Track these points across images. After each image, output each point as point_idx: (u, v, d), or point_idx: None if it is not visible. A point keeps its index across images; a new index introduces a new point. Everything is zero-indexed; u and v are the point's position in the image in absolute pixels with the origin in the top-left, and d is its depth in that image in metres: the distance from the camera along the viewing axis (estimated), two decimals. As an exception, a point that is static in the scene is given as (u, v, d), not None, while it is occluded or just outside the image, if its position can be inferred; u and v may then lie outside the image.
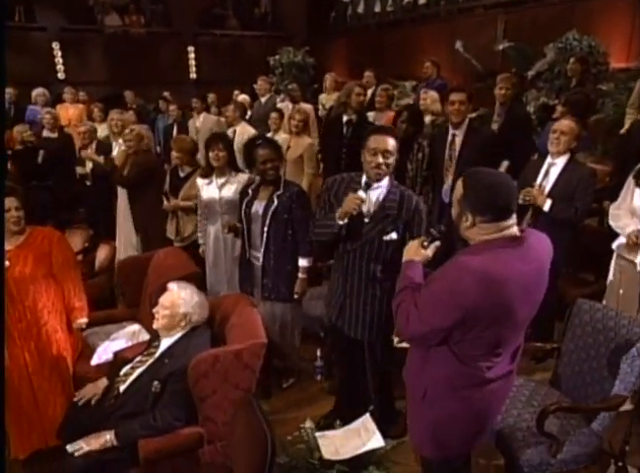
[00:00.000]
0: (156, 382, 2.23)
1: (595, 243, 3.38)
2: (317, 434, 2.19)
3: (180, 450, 2.18)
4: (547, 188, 3.08)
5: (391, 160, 2.33)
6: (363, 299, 2.50)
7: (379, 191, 2.40)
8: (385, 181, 2.40)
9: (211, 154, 3.40)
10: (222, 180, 3.45)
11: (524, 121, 4.37)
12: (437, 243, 1.87)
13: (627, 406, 2.33)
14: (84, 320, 2.83)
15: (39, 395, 2.71)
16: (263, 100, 6.65)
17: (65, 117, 7.17)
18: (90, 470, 2.13)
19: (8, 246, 2.64)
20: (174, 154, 4.01)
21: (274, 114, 4.95)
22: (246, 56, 10.36)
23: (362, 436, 2.15)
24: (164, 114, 7.25)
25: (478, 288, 1.54)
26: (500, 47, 6.17)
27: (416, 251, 1.85)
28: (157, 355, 2.38)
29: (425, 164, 3.85)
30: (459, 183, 1.69)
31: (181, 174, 3.98)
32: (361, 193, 2.29)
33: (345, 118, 4.36)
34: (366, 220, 2.38)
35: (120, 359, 2.66)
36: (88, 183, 4.96)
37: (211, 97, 7.62)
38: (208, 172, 3.55)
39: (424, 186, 3.89)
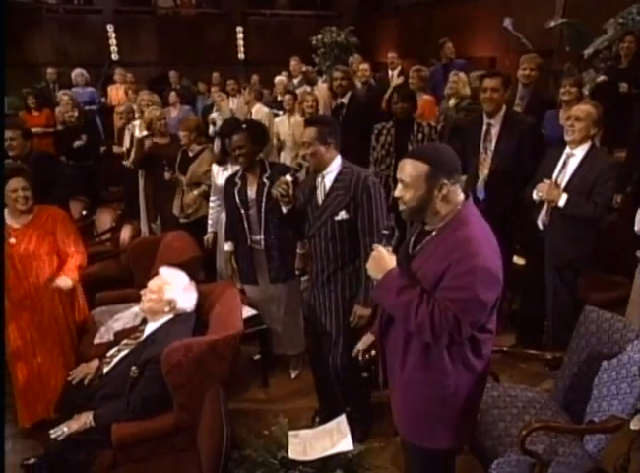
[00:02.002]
0: (133, 367, 2.25)
1: (626, 241, 3.06)
2: (290, 432, 2.14)
3: (153, 436, 2.19)
4: (565, 182, 2.81)
5: (310, 149, 2.38)
6: (327, 286, 2.49)
7: (330, 175, 2.42)
8: (334, 164, 2.42)
9: (228, 141, 3.33)
10: (238, 167, 3.41)
11: (549, 105, 3.98)
12: (395, 238, 1.77)
13: (635, 425, 2.12)
14: (60, 281, 2.72)
15: (43, 368, 2.83)
16: (296, 81, 6.56)
17: (115, 98, 7.41)
18: (67, 449, 2.19)
19: (16, 224, 2.76)
20: (181, 133, 4.04)
21: (287, 96, 4.89)
22: (295, 36, 10.23)
23: (333, 437, 2.08)
24: (204, 95, 7.31)
25: (491, 250, 1.59)
26: (552, 24, 5.70)
27: (384, 261, 1.67)
28: (141, 339, 2.41)
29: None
30: (413, 163, 1.64)
31: (190, 154, 4.01)
32: (288, 177, 2.38)
33: (338, 101, 4.37)
34: (319, 203, 2.43)
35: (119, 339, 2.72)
36: (125, 163, 5.09)
37: (254, 78, 7.60)
38: (223, 159, 3.52)
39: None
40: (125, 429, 2.16)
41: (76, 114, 5.82)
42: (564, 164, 2.87)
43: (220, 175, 3.53)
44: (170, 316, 2.41)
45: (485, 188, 3.23)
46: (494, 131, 3.29)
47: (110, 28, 9.50)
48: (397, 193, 1.70)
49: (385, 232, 1.77)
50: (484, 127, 3.32)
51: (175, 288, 2.41)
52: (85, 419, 2.21)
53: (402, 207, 1.70)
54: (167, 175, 4.00)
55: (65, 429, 2.21)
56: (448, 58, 6.04)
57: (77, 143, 5.36)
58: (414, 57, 8.00)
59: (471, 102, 4.90)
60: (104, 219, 4.71)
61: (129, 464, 2.17)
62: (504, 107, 3.31)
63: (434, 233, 1.68)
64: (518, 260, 3.45)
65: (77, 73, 7.42)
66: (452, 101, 4.60)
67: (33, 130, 6.13)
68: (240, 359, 3.34)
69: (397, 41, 9.52)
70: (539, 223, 2.94)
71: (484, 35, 8.23)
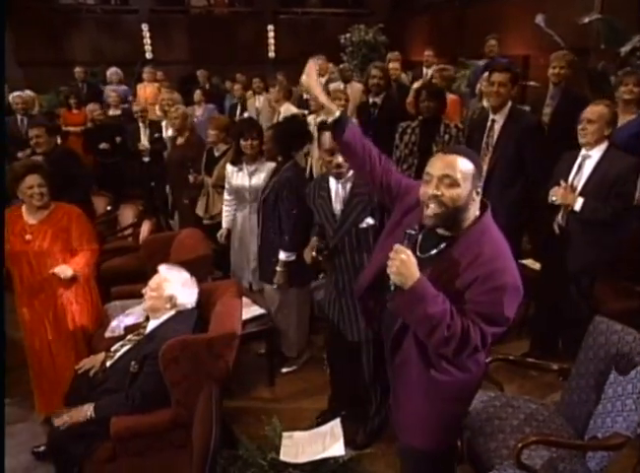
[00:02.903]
0: (133, 362, 2.28)
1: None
2: (285, 433, 2.14)
3: (151, 431, 2.21)
4: (581, 185, 2.69)
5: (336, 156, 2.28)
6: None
7: (348, 183, 2.34)
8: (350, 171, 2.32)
9: (244, 142, 3.32)
10: (252, 168, 3.39)
11: (582, 105, 3.83)
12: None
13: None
14: (58, 269, 2.73)
15: (58, 361, 2.90)
16: (323, 79, 6.53)
17: (143, 96, 7.57)
18: (68, 440, 2.24)
19: (32, 221, 2.82)
20: (210, 132, 4.06)
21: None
22: (325, 34, 10.19)
23: (326, 441, 2.06)
24: (232, 94, 7.38)
25: (514, 264, 1.57)
26: (586, 20, 5.48)
27: (413, 266, 1.51)
28: (143, 335, 2.45)
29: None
30: (462, 160, 1.54)
31: (216, 154, 4.03)
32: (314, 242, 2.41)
33: (371, 101, 4.19)
34: (338, 212, 2.35)
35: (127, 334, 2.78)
36: (145, 159, 5.20)
37: (280, 76, 7.62)
38: (237, 159, 3.54)
39: None
40: (123, 422, 2.19)
41: (118, 112, 5.99)
42: (580, 166, 2.76)
43: (234, 176, 3.54)
44: (172, 313, 2.44)
45: (485, 185, 3.16)
46: (497, 127, 3.24)
47: (145, 27, 9.71)
48: (435, 191, 1.52)
49: (411, 232, 1.57)
50: (489, 123, 3.28)
51: (174, 284, 2.43)
52: (86, 410, 2.26)
53: (438, 209, 1.53)
54: (191, 178, 4.04)
55: (67, 418, 2.26)
56: (489, 56, 5.84)
57: (103, 145, 5.50)
58: (444, 56, 7.85)
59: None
60: (127, 214, 4.81)
61: (127, 457, 2.20)
62: (509, 104, 3.24)
63: (457, 234, 1.59)
64: (533, 264, 3.34)
65: (112, 71, 7.62)
66: (485, 103, 4.49)
67: (71, 129, 6.47)
68: (247, 356, 3.37)
69: (428, 39, 9.35)
70: (555, 226, 2.84)
71: (517, 33, 7.99)
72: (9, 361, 2.97)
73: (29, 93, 6.25)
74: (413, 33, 10.01)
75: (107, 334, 3.05)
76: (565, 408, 2.18)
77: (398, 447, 1.99)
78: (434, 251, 1.63)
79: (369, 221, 2.28)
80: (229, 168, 3.60)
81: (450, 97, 4.97)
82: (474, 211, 1.60)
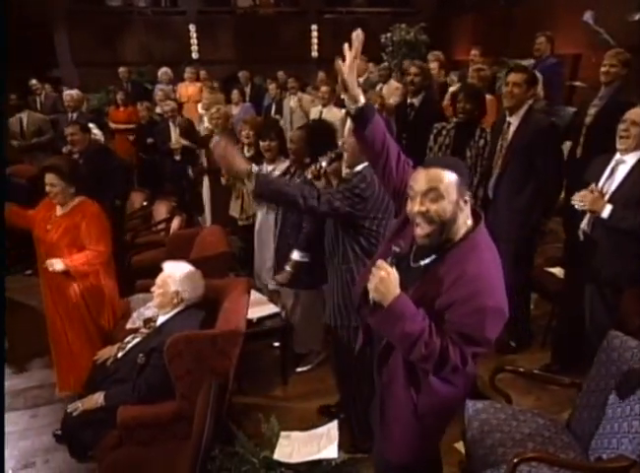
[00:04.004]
0: (141, 355, 2.36)
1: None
2: (283, 433, 2.15)
3: (155, 422, 2.28)
4: (611, 191, 2.55)
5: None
6: (331, 280, 2.47)
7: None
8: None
9: (262, 143, 3.35)
10: (270, 168, 3.43)
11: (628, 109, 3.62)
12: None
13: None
14: (49, 261, 2.82)
15: (74, 348, 3.03)
16: (361, 79, 6.48)
17: (185, 95, 7.79)
18: (79, 425, 2.35)
19: (57, 213, 2.95)
20: (246, 132, 4.10)
21: (324, 88, 4.85)
22: (369, 34, 10.06)
23: (321, 443, 2.06)
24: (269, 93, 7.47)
25: (501, 282, 1.52)
26: (636, 18, 5.19)
27: (393, 284, 1.49)
28: (153, 328, 2.52)
29: (487, 152, 3.42)
30: (443, 172, 1.50)
31: (247, 155, 4.07)
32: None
33: (408, 101, 4.11)
34: None
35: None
36: (177, 157, 5.34)
37: (320, 75, 7.65)
38: (259, 159, 3.57)
39: (484, 177, 3.48)
40: (129, 412, 2.27)
41: (162, 109, 6.17)
42: (612, 171, 2.61)
43: None
44: (180, 308, 2.50)
45: (495, 188, 3.12)
46: (512, 129, 3.14)
47: (192, 28, 9.96)
48: (421, 207, 1.50)
49: (396, 249, 1.56)
50: (505, 125, 3.19)
51: (178, 279, 2.48)
52: (97, 398, 2.36)
53: (428, 228, 1.51)
54: (223, 181, 4.11)
55: (80, 405, 2.37)
56: (536, 56, 5.62)
57: (149, 140, 5.70)
58: (490, 55, 7.65)
59: (547, 104, 4.62)
60: (161, 210, 4.97)
61: (132, 446, 2.27)
62: (526, 105, 3.13)
63: (445, 247, 1.56)
64: (559, 272, 3.21)
65: (162, 71, 7.88)
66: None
67: (120, 126, 6.76)
68: (263, 354, 3.41)
69: (473, 39, 9.12)
70: (579, 233, 2.71)
71: (567, 31, 7.66)
72: (45, 342, 3.13)
73: (77, 92, 6.56)
74: (458, 32, 9.79)
75: (128, 326, 3.16)
76: (574, 425, 2.09)
77: (377, 461, 1.96)
78: (424, 262, 1.61)
79: None
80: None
81: (486, 97, 4.85)
82: (464, 220, 1.55)
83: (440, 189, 1.48)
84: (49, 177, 2.81)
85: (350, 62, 1.68)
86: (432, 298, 1.52)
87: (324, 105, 5.18)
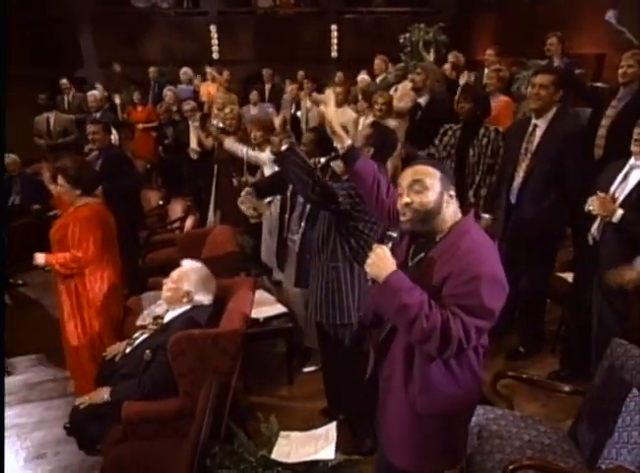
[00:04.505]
0: (147, 351, 2.40)
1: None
2: (282, 432, 2.17)
3: (158, 418, 2.32)
4: (623, 196, 2.50)
5: None
6: (315, 277, 2.53)
7: None
8: None
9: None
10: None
11: None
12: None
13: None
14: (36, 254, 2.91)
15: (73, 344, 3.08)
16: (378, 79, 6.47)
17: (206, 94, 7.88)
18: (86, 419, 2.41)
19: (70, 210, 3.02)
20: (256, 133, 4.15)
21: (337, 89, 4.84)
22: (389, 34, 10.08)
23: (319, 444, 2.07)
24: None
25: (496, 259, 1.56)
26: (660, 17, 5.05)
27: (388, 260, 1.57)
28: (160, 325, 2.57)
29: (490, 150, 3.41)
30: (426, 167, 1.63)
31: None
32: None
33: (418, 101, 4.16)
34: None
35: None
36: (194, 157, 5.41)
37: (338, 75, 7.66)
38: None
39: (487, 175, 3.46)
40: (134, 407, 2.31)
41: (174, 108, 6.29)
42: (626, 176, 2.56)
43: (268, 168, 3.65)
44: (188, 307, 2.53)
45: (519, 192, 3.04)
46: (539, 132, 3.06)
47: (213, 28, 10.07)
48: (407, 199, 1.60)
49: (392, 234, 1.66)
50: (530, 128, 3.10)
51: (193, 279, 2.52)
52: (103, 393, 2.41)
53: (411, 215, 1.60)
54: (235, 182, 4.16)
55: (86, 399, 2.43)
56: (549, 56, 5.53)
57: (166, 141, 5.79)
58: (513, 55, 7.55)
59: (561, 106, 4.54)
60: (176, 208, 5.06)
61: (136, 441, 2.32)
62: (554, 109, 3.06)
63: (437, 238, 1.62)
64: (570, 277, 3.15)
65: (183, 71, 8.00)
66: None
67: (140, 125, 6.89)
68: (270, 354, 3.44)
69: (495, 38, 9.00)
70: (589, 238, 2.66)
71: (591, 31, 7.52)
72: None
73: (100, 92, 6.73)
74: (479, 31, 9.68)
75: (138, 322, 3.21)
76: (576, 433, 2.06)
77: (378, 462, 1.96)
78: (417, 258, 1.67)
79: None
80: (264, 155, 3.72)
81: (502, 98, 4.79)
82: (451, 215, 1.62)
83: (424, 181, 1.60)
84: (58, 178, 2.89)
85: (332, 108, 1.87)
86: (428, 280, 1.56)
87: (338, 106, 5.18)
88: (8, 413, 3.13)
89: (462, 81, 5.67)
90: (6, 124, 5.08)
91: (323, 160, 2.42)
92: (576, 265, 2.95)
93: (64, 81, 7.49)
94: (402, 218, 1.64)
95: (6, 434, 2.96)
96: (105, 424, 2.38)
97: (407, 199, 1.60)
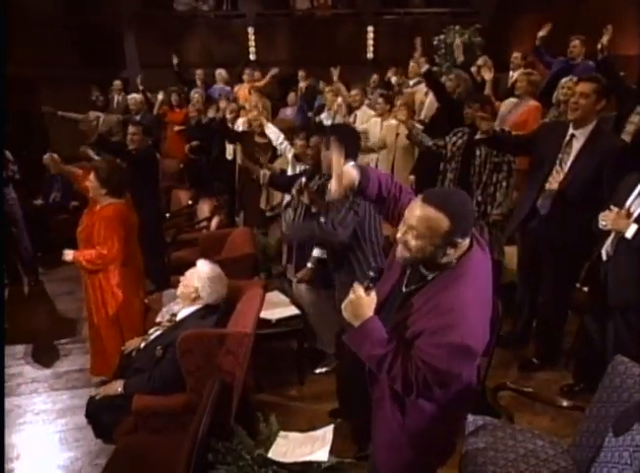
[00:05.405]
0: (159, 347, 2.52)
1: None
2: (281, 432, 2.23)
3: (166, 412, 2.42)
4: (638, 211, 2.42)
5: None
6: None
7: None
8: None
9: (294, 141, 3.52)
10: (300, 166, 3.57)
11: None
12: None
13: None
14: (66, 252, 3.09)
15: (101, 336, 3.27)
16: (411, 82, 6.45)
17: (242, 96, 8.03)
18: (101, 409, 2.55)
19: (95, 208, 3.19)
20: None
21: (380, 99, 4.82)
22: (426, 35, 9.96)
23: (315, 445, 2.13)
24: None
25: (476, 316, 1.50)
26: None
27: (362, 307, 1.58)
28: (173, 323, 2.68)
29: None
30: (434, 214, 1.48)
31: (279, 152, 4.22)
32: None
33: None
34: None
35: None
36: (229, 157, 5.53)
37: (374, 78, 7.68)
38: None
39: (493, 174, 3.44)
40: (143, 400, 2.42)
41: (210, 114, 6.44)
42: (642, 191, 2.49)
43: (292, 168, 3.74)
44: (199, 306, 2.63)
45: (552, 205, 2.94)
46: (576, 145, 2.94)
47: (251, 30, 10.21)
48: (401, 235, 1.56)
49: (372, 274, 1.66)
50: (567, 138, 2.97)
51: (201, 277, 2.61)
52: (117, 386, 2.55)
53: (405, 253, 1.57)
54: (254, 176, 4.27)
55: (101, 390, 2.57)
56: (571, 58, 5.38)
57: (194, 143, 5.95)
58: (551, 58, 7.35)
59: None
60: (204, 208, 5.20)
61: (145, 432, 2.43)
62: (595, 121, 2.92)
63: (429, 277, 1.61)
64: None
65: (218, 72, 8.18)
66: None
67: (176, 127, 7.10)
68: (283, 354, 3.51)
69: (533, 40, 8.78)
70: (602, 253, 2.60)
71: (635, 31, 7.24)
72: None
73: (137, 95, 6.97)
74: (519, 32, 9.43)
75: (158, 319, 3.34)
76: (574, 450, 2.03)
77: (369, 469, 1.99)
78: (412, 287, 1.66)
79: None
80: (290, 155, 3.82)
81: (532, 103, 4.69)
82: (452, 258, 1.56)
83: (425, 232, 1.50)
84: (91, 174, 3.07)
85: (337, 159, 1.77)
86: (409, 323, 1.57)
87: (357, 108, 5.22)
88: (36, 399, 3.34)
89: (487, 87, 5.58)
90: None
91: (304, 179, 2.48)
92: (589, 280, 2.87)
93: (117, 82, 7.79)
94: (397, 249, 1.62)
95: (33, 419, 3.18)
96: (118, 415, 2.51)
97: (402, 237, 1.56)
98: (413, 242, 1.52)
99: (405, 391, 1.55)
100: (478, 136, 3.20)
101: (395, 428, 1.73)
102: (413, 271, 1.68)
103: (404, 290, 1.69)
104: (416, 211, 1.52)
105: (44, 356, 3.83)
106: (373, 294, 1.61)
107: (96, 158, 4.14)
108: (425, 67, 4.63)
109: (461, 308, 1.47)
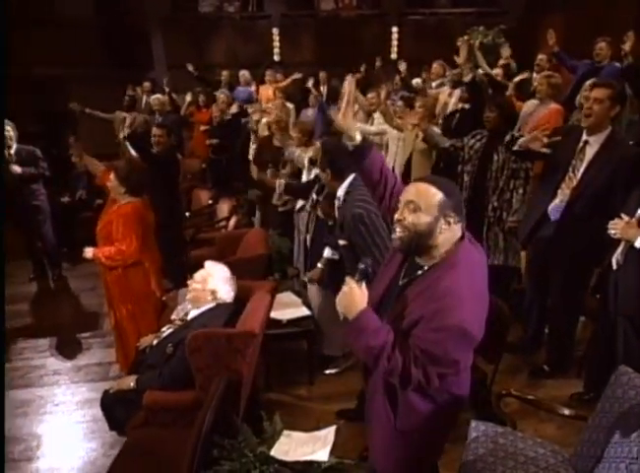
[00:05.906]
0: (170, 345, 2.60)
1: None
2: (285, 431, 2.28)
3: (176, 408, 2.50)
4: (651, 220, 2.39)
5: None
6: None
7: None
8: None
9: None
10: (314, 170, 3.62)
11: None
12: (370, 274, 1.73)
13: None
14: (86, 248, 3.21)
15: (121, 332, 3.39)
16: (434, 84, 6.43)
17: (265, 97, 8.12)
18: (114, 403, 2.64)
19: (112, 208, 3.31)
20: (294, 134, 4.28)
21: (400, 102, 4.81)
22: (451, 35, 9.89)
23: (316, 445, 2.16)
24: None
25: (473, 303, 1.53)
26: None
27: (356, 299, 1.62)
28: (185, 321, 2.76)
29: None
30: (428, 188, 1.60)
31: (286, 154, 4.27)
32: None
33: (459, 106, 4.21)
34: None
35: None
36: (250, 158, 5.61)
37: (397, 78, 7.66)
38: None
39: (510, 180, 3.41)
40: (154, 396, 2.50)
41: (230, 113, 6.55)
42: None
43: (307, 172, 3.78)
44: (212, 305, 2.70)
45: (564, 212, 2.91)
46: (590, 151, 2.90)
47: (275, 31, 10.31)
48: (400, 215, 1.63)
49: (362, 266, 1.70)
50: (580, 144, 2.94)
51: (217, 279, 2.68)
52: (130, 381, 2.63)
53: (401, 233, 1.62)
54: (269, 174, 4.33)
55: (116, 386, 2.66)
56: (598, 61, 5.28)
57: (213, 141, 6.06)
58: (577, 59, 7.21)
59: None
60: (223, 208, 5.30)
61: (155, 427, 2.51)
62: (609, 127, 2.87)
63: (425, 267, 1.65)
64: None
65: (241, 73, 8.29)
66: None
67: (202, 127, 7.23)
68: (294, 355, 3.55)
69: (560, 41, 8.61)
70: (613, 261, 2.56)
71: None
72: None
73: (160, 96, 7.13)
74: (546, 33, 9.27)
75: (172, 317, 3.43)
76: (576, 460, 2.02)
77: (368, 470, 2.02)
78: (407, 279, 1.70)
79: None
80: (306, 157, 3.87)
81: (553, 106, 4.63)
82: (446, 241, 1.60)
83: (420, 203, 1.58)
84: (111, 173, 3.18)
85: (343, 110, 1.83)
86: (406, 313, 1.59)
87: (373, 110, 5.23)
88: (56, 391, 3.48)
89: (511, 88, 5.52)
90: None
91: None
92: (598, 288, 2.84)
93: (147, 83, 7.97)
94: (393, 234, 1.67)
95: (53, 409, 3.31)
96: (131, 409, 2.59)
97: (399, 216, 1.62)
98: (410, 218, 1.59)
99: (402, 384, 1.56)
100: (515, 148, 3.17)
101: (387, 426, 1.76)
102: (409, 264, 1.72)
103: (400, 283, 1.73)
104: (411, 188, 1.64)
105: (66, 349, 3.98)
106: (364, 286, 1.65)
107: (133, 152, 4.25)
108: (470, 76, 4.63)
109: (457, 293, 1.51)
